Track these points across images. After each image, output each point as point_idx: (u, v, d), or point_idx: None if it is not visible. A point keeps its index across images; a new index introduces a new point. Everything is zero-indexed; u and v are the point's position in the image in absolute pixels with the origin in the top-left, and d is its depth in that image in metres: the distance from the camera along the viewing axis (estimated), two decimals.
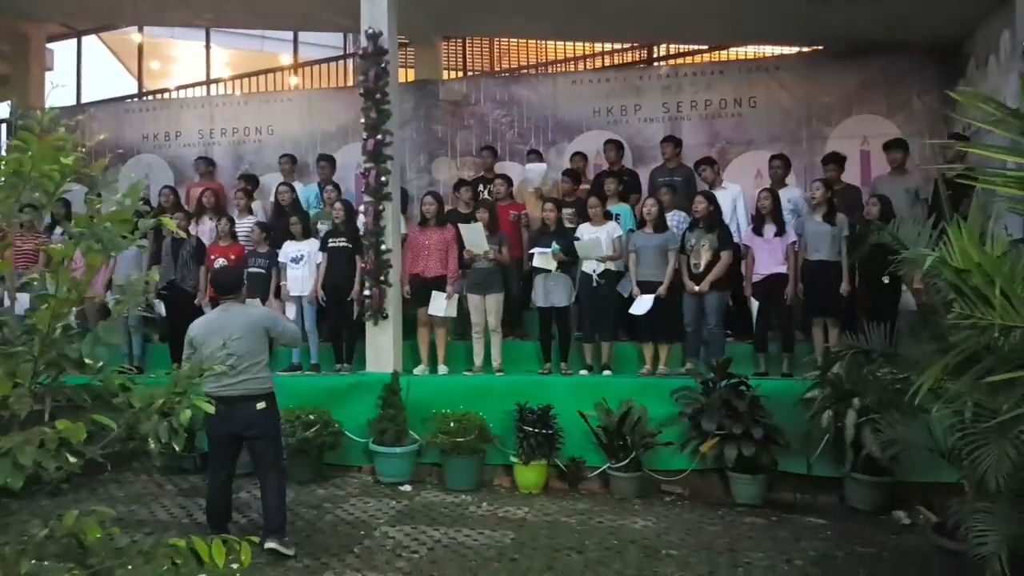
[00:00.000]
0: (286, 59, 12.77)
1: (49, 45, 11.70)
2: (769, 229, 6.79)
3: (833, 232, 6.59)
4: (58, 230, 7.92)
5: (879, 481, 5.63)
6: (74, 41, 11.85)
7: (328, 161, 8.63)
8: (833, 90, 8.39)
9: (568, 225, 7.25)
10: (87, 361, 2.18)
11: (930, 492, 5.24)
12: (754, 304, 7.01)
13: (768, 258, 6.75)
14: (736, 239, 7.02)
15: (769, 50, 9.52)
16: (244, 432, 4.81)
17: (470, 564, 4.51)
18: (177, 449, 2.30)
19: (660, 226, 6.95)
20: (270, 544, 4.65)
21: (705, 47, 10.08)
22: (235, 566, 4.00)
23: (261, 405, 4.81)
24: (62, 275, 2.18)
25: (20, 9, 9.69)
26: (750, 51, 9.75)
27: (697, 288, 6.65)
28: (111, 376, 2.49)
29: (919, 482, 5.44)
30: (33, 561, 3.12)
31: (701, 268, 6.67)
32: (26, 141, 2.12)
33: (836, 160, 7.37)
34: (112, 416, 2.38)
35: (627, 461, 6.08)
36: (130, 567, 3.52)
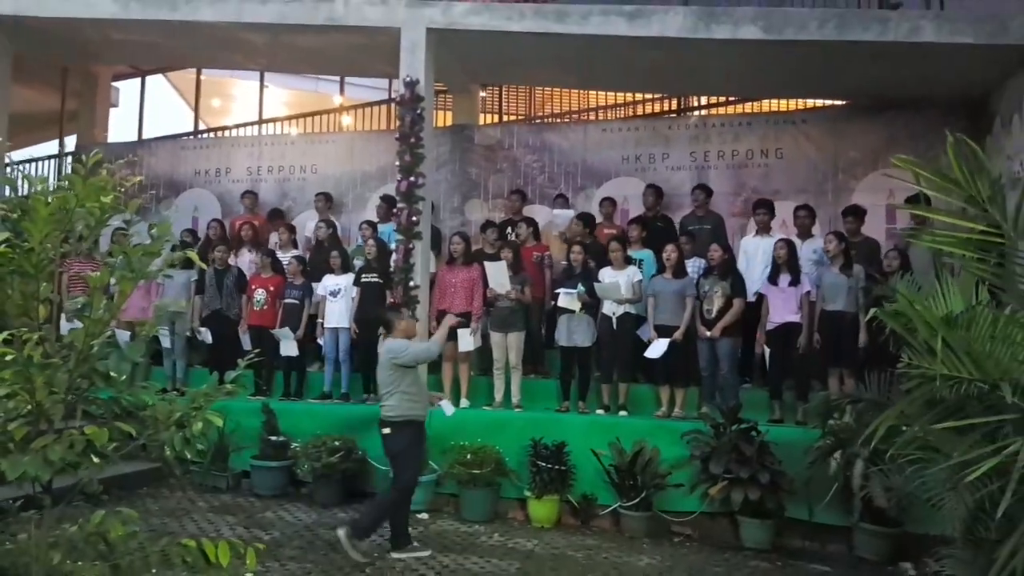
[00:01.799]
0: (339, 100, 13.45)
1: (115, 83, 12.52)
2: (784, 278, 6.94)
3: (850, 283, 6.71)
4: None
5: (886, 531, 5.65)
6: (138, 80, 12.63)
7: (388, 201, 8.97)
8: (859, 143, 8.52)
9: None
10: (112, 374, 2.47)
11: (937, 544, 5.24)
12: (768, 351, 7.09)
13: (782, 306, 6.89)
14: None
15: (796, 103, 9.70)
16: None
17: None
18: (189, 457, 2.58)
19: (679, 272, 7.15)
20: (339, 531, 5.20)
21: (733, 99, 10.31)
22: (249, 575, 4.29)
23: (386, 431, 5.45)
24: (97, 299, 2.51)
25: (88, 55, 10.44)
26: (777, 104, 9.94)
27: (708, 334, 6.83)
28: (138, 392, 2.80)
29: (927, 534, 5.44)
30: (68, 561, 3.44)
31: (713, 314, 6.87)
32: (72, 181, 2.47)
33: (855, 213, 7.50)
34: (137, 427, 2.69)
35: (637, 500, 6.20)
36: (154, 571, 3.84)
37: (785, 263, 6.94)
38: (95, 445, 2.33)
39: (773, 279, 6.99)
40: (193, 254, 2.75)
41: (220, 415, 2.65)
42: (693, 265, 7.50)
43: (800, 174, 8.73)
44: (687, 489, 6.25)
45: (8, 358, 2.23)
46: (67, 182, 2.45)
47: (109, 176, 2.65)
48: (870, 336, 6.40)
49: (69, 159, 12.01)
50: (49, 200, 2.36)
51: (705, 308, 6.93)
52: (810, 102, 9.54)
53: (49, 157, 12.52)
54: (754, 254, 7.42)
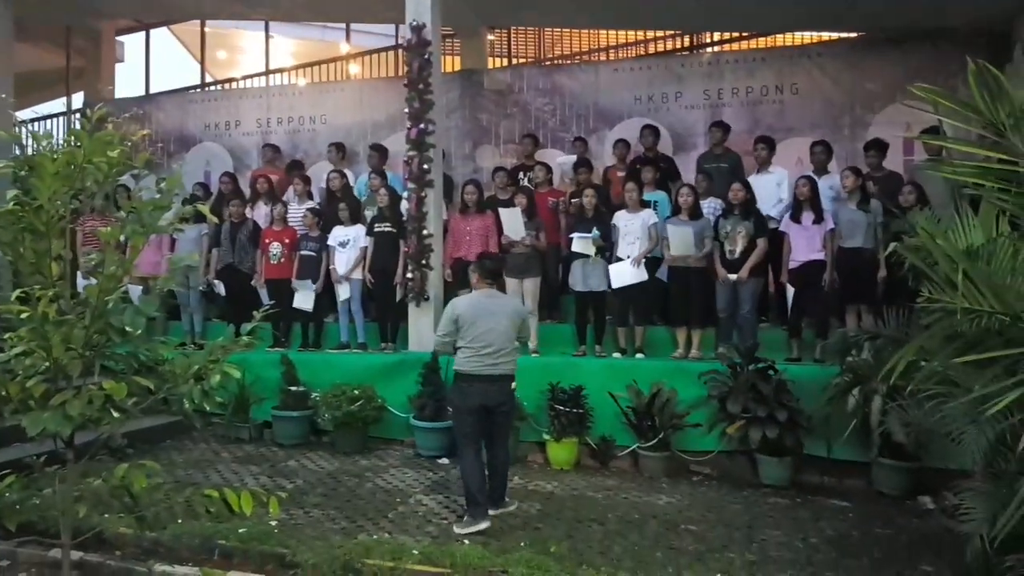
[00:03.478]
0: (345, 47, 13.23)
1: (119, 38, 12.39)
2: (807, 216, 6.83)
3: (868, 219, 6.62)
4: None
5: (905, 466, 5.69)
6: (143, 34, 12.47)
7: (378, 150, 8.95)
8: (876, 76, 8.33)
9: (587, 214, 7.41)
10: (128, 329, 2.48)
11: (956, 478, 5.27)
12: (790, 290, 7.04)
13: (806, 245, 6.79)
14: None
15: (811, 36, 9.44)
16: (496, 406, 5.13)
17: (495, 531, 4.76)
18: (207, 409, 2.61)
19: (695, 213, 7.07)
20: (494, 512, 5.00)
21: (747, 34, 10.04)
22: (273, 522, 4.38)
23: (514, 385, 5.21)
24: (110, 255, 2.50)
25: (90, 11, 10.33)
26: (792, 38, 9.68)
27: (735, 277, 6.75)
28: (155, 346, 2.82)
29: (945, 468, 5.46)
30: (94, 515, 3.50)
31: (736, 255, 6.79)
32: (78, 137, 2.44)
33: (878, 147, 7.34)
34: (156, 381, 2.72)
35: (655, 441, 6.25)
36: (179, 521, 3.91)
37: (808, 200, 6.82)
38: (114, 400, 2.35)
39: (796, 217, 6.88)
40: (204, 208, 2.74)
41: (238, 367, 2.66)
42: (708, 206, 7.40)
43: (816, 109, 8.57)
44: (705, 429, 6.29)
45: (23, 316, 2.24)
46: (74, 138, 2.42)
47: (115, 131, 2.62)
48: (888, 272, 6.34)
49: (77, 116, 11.96)
50: (56, 156, 2.34)
51: (727, 249, 6.83)
52: (825, 35, 9.27)
53: (57, 115, 12.48)
54: (757, 191, 7.27)
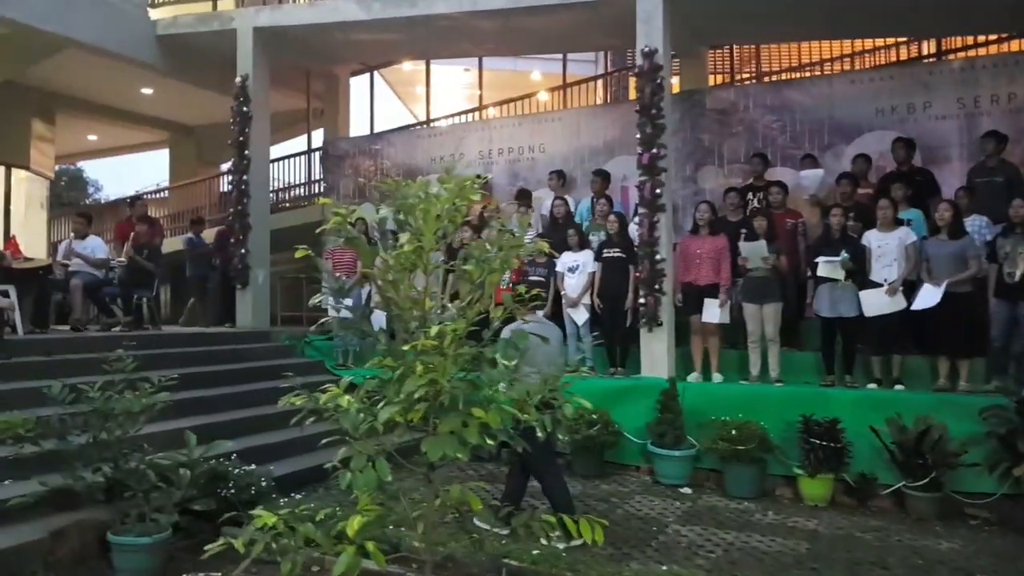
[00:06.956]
0: (535, 76, 13.59)
1: None
2: None
3: None
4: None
5: None
6: (359, 76, 13.47)
7: (601, 176, 9.06)
8: None
9: (851, 233, 7.02)
10: (500, 360, 2.62)
11: None
12: None
13: None
14: None
15: None
16: None
17: (769, 569, 4.59)
18: (561, 438, 2.70)
19: (956, 232, 6.52)
20: None
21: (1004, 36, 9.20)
22: (560, 546, 4.44)
23: None
24: (471, 290, 2.66)
25: (329, 56, 11.32)
26: None
27: None
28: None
29: None
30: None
31: (1016, 278, 6.16)
32: (448, 182, 2.63)
33: None
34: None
35: (926, 481, 5.78)
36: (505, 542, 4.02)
37: None
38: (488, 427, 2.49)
39: None
40: (543, 244, 2.85)
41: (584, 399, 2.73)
42: (972, 223, 6.81)
43: None
44: (983, 469, 5.74)
45: (411, 349, 2.43)
46: (444, 186, 2.62)
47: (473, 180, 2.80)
48: None
49: (318, 154, 13.14)
50: (439, 211, 2.53)
51: (1007, 272, 6.21)
52: None
53: (298, 154, 13.80)
54: None
